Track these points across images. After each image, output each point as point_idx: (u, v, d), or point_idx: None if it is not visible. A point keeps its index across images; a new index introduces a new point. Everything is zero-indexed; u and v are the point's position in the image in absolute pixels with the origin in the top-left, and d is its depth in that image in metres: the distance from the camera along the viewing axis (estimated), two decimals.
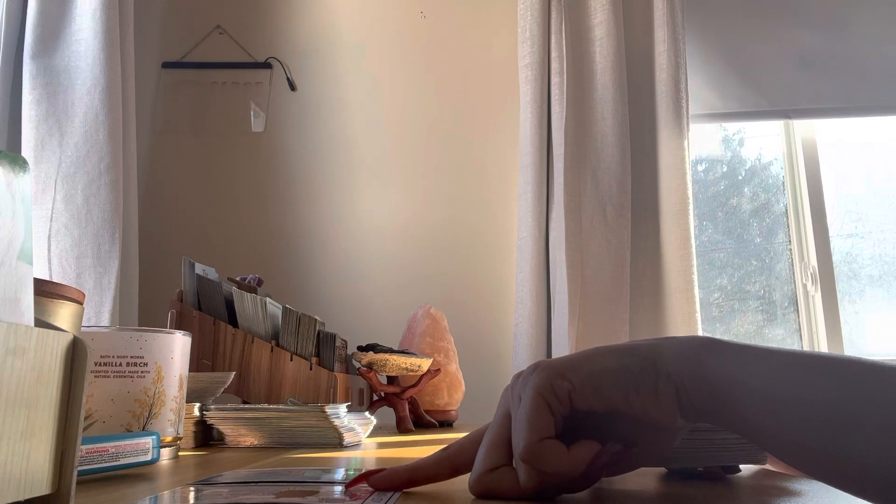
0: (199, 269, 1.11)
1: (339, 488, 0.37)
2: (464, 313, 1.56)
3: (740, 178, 1.86)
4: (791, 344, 1.68)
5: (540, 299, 1.49)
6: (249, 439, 0.72)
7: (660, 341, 0.34)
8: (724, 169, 1.87)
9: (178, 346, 0.60)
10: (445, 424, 1.13)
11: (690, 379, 0.31)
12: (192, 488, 0.39)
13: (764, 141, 1.84)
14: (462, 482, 0.37)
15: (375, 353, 0.99)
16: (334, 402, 0.94)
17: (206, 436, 0.76)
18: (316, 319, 1.00)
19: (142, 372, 0.56)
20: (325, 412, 0.70)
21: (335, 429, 0.71)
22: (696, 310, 1.43)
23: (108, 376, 0.55)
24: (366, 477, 0.37)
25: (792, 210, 1.74)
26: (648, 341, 0.34)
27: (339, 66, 1.74)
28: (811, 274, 1.67)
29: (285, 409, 0.71)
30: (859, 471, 0.26)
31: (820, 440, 0.27)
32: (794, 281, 1.71)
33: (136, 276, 1.52)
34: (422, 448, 0.71)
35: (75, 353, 0.31)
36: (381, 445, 0.75)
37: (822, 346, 1.62)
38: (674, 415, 0.32)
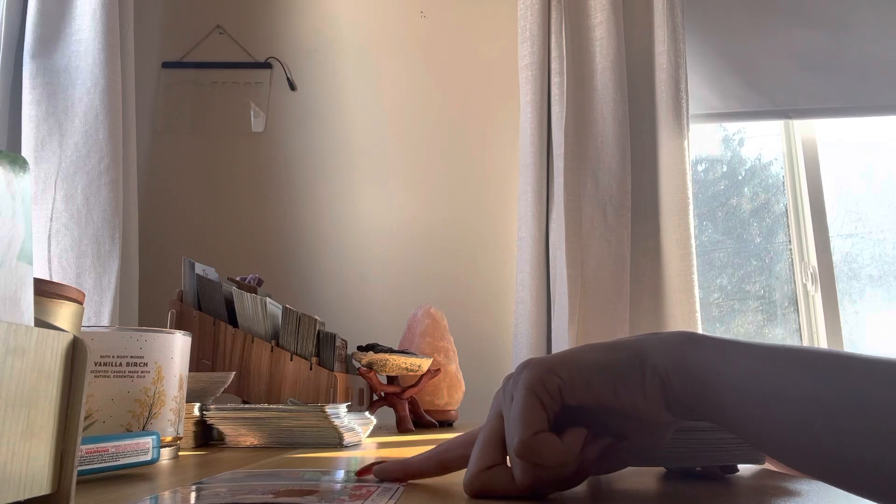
0: (199, 269, 1.11)
1: (339, 487, 0.38)
2: (464, 313, 1.56)
3: (740, 178, 1.86)
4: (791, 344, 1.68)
5: (540, 299, 1.49)
6: (249, 439, 0.72)
7: (645, 336, 0.35)
8: (724, 169, 1.87)
9: (178, 346, 0.60)
10: (445, 424, 1.13)
11: (675, 372, 0.32)
12: (192, 488, 0.39)
13: (764, 141, 1.84)
14: (461, 481, 0.37)
15: (375, 353, 0.99)
16: (334, 402, 0.94)
17: (206, 436, 0.76)
18: (316, 319, 1.00)
19: (142, 372, 0.56)
20: (325, 412, 0.70)
21: (335, 429, 0.71)
22: (696, 310, 1.43)
23: (108, 376, 0.55)
24: (371, 468, 0.41)
25: (792, 210, 1.74)
26: (635, 337, 0.35)
27: (339, 66, 1.74)
28: (811, 274, 1.67)
29: (285, 409, 0.71)
30: (840, 464, 0.26)
31: (800, 434, 0.27)
32: (794, 281, 1.71)
33: (136, 276, 1.52)
34: (422, 448, 0.71)
35: (75, 353, 0.31)
36: (381, 445, 0.75)
37: (822, 346, 1.62)
38: (660, 408, 0.32)
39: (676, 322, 1.44)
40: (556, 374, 0.33)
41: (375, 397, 1.05)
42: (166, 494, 0.38)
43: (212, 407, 0.72)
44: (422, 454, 0.40)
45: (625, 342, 0.34)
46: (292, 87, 1.72)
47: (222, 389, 0.85)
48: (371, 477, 0.40)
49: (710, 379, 0.31)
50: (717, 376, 0.30)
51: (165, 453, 0.58)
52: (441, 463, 0.38)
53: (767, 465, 0.49)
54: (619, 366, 0.33)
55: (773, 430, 0.28)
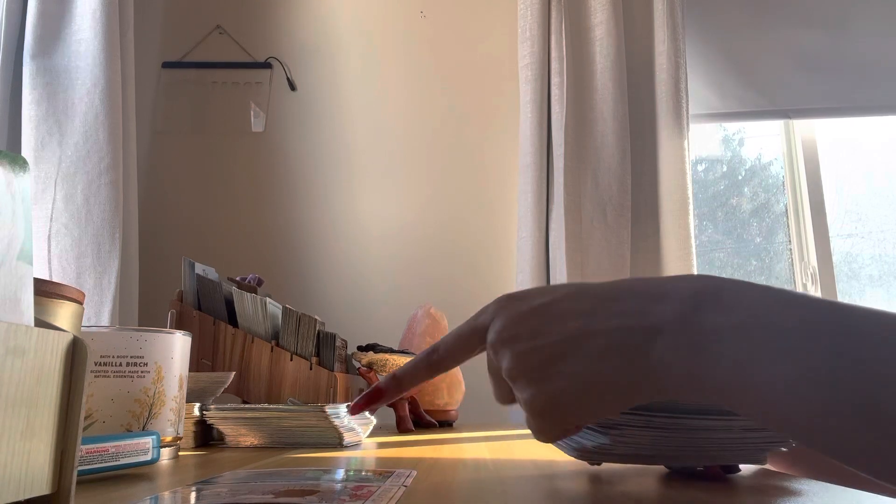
0: (199, 269, 1.11)
1: (339, 487, 0.37)
2: (464, 313, 1.54)
3: (740, 178, 1.86)
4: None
5: None
6: (249, 439, 0.72)
7: (653, 340, 0.30)
8: (724, 169, 1.87)
9: (178, 346, 0.60)
10: (445, 424, 1.13)
11: (679, 387, 0.30)
12: (192, 488, 0.39)
13: (764, 141, 1.84)
14: (464, 481, 0.36)
15: (375, 353, 0.99)
16: (334, 402, 0.94)
17: (206, 436, 0.76)
18: (316, 319, 1.00)
19: (142, 372, 0.56)
20: (325, 412, 0.70)
21: (335, 429, 0.71)
22: None
23: (108, 376, 0.55)
24: (362, 403, 0.40)
25: (792, 210, 1.74)
26: (642, 338, 0.31)
27: (339, 66, 1.74)
28: (811, 274, 1.67)
29: (285, 409, 0.71)
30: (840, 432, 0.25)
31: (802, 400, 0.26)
32: (794, 281, 1.71)
33: (136, 276, 1.52)
34: (422, 448, 0.71)
35: (75, 353, 0.31)
36: (381, 445, 0.75)
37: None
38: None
39: None
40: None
41: None
42: (166, 494, 0.38)
43: (212, 407, 0.72)
44: (408, 362, 0.40)
45: (632, 353, 0.31)
46: (292, 87, 1.72)
47: (222, 389, 0.85)
48: (372, 469, 0.40)
49: (725, 383, 0.30)
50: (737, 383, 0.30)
51: (165, 453, 0.58)
52: (431, 365, 0.39)
53: (768, 466, 0.49)
54: (626, 393, 0.31)
55: (769, 397, 0.27)
